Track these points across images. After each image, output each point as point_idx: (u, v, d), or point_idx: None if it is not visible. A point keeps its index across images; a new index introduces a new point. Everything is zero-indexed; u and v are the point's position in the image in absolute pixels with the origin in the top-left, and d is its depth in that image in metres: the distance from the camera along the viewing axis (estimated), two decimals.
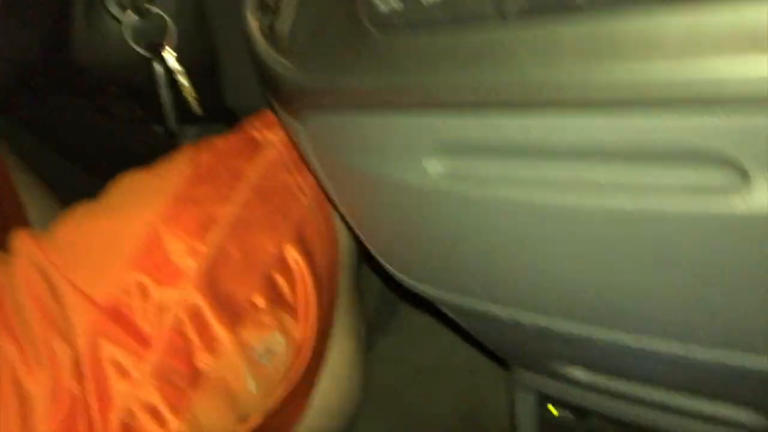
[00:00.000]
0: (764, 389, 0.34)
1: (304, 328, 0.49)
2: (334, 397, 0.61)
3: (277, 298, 0.47)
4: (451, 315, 0.46)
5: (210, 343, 0.44)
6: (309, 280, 0.48)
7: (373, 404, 1.01)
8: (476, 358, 1.02)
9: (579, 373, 0.46)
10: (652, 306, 0.31)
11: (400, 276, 0.43)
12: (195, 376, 0.43)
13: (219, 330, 0.44)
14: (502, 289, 0.37)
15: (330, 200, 0.44)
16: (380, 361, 1.05)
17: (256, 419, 0.48)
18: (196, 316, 0.43)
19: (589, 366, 0.45)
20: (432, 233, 0.35)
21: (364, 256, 0.58)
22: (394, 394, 1.01)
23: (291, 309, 0.48)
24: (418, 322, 1.05)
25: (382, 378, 1.03)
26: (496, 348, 0.52)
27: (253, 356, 0.46)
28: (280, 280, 0.48)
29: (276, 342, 0.47)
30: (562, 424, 0.53)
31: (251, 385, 0.46)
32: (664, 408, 0.44)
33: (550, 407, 0.53)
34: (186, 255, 0.44)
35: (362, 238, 0.43)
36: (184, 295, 0.43)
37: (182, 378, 0.43)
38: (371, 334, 1.08)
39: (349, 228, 0.47)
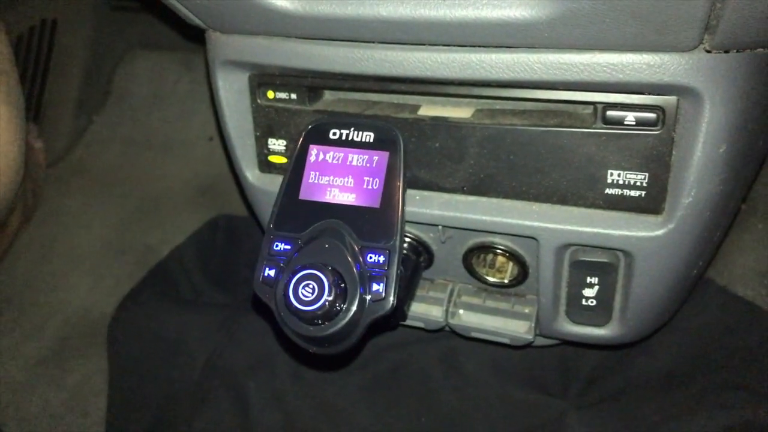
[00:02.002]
0: None
1: None
2: None
3: None
4: None
5: None
6: None
7: (98, 185, 0.93)
8: (210, 127, 0.98)
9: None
10: None
11: None
12: None
13: None
14: None
15: None
16: (99, 140, 0.95)
17: None
18: None
19: None
20: None
21: None
22: (119, 171, 0.93)
23: None
24: (136, 95, 0.96)
25: (104, 157, 0.94)
26: None
27: None
28: None
29: None
30: (284, 109, 0.52)
31: None
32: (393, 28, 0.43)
33: (270, 93, 0.52)
34: None
35: None
36: None
37: None
38: (82, 112, 0.96)
39: None
